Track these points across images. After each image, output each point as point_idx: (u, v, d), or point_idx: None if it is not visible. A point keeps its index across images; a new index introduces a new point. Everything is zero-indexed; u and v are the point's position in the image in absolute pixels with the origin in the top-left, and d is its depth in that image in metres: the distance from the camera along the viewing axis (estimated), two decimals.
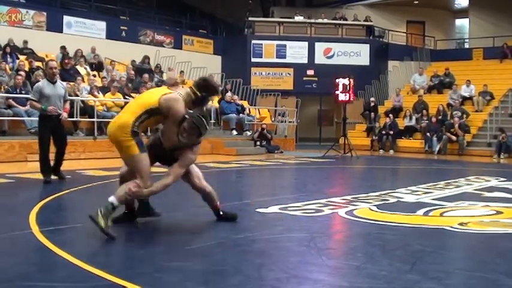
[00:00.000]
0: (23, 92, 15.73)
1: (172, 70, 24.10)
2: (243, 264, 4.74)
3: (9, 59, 19.15)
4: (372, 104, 25.99)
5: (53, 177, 10.16)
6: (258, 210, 7.29)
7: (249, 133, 21.54)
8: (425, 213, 7.28)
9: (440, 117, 23.05)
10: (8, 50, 19.76)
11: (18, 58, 19.52)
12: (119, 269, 4.44)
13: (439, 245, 5.63)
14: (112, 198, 5.50)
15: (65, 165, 10.56)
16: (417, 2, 32.67)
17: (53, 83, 10.03)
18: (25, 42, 21.57)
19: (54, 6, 24.94)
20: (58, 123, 10.09)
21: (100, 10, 26.71)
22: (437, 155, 21.27)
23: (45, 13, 23.70)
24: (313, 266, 4.70)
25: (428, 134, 22.31)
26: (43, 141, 10.06)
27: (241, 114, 21.70)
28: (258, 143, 20.86)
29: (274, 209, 7.37)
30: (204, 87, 5.91)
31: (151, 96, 5.83)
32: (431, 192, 9.43)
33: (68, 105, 10.67)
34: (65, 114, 10.19)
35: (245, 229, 6.13)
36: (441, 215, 7.25)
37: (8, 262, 4.73)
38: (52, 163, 10.22)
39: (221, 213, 6.39)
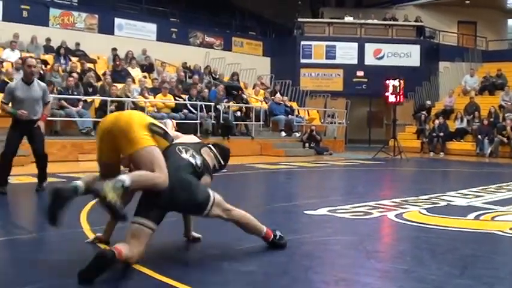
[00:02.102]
0: (75, 93, 16.09)
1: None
2: (290, 266, 4.75)
3: (62, 61, 19.50)
4: (428, 106, 25.75)
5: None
6: (306, 212, 7.30)
7: (298, 134, 21.52)
8: (476, 217, 7.18)
9: (492, 119, 22.67)
10: (61, 51, 20.12)
11: (70, 60, 19.88)
12: (168, 268, 4.49)
13: (490, 249, 5.56)
14: (124, 177, 4.59)
15: None
16: (468, 2, 32.14)
17: (29, 84, 8.76)
18: (77, 44, 21.93)
19: (105, 9, 25.32)
20: (34, 129, 8.90)
21: (151, 12, 27.01)
22: (489, 158, 20.93)
23: (96, 15, 24.10)
24: (361, 269, 4.69)
25: (479, 136, 21.97)
26: (7, 148, 8.91)
27: (290, 116, 21.68)
28: (307, 144, 20.83)
29: (322, 211, 7.36)
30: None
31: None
32: (482, 196, 9.30)
33: (47, 110, 9.22)
34: (41, 123, 8.95)
35: (293, 231, 6.12)
36: (492, 219, 7.15)
37: (60, 260, 4.84)
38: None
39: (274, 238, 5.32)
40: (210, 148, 5.39)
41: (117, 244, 4.42)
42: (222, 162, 5.43)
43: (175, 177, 4.73)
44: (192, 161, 4.96)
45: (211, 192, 4.91)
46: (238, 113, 20.34)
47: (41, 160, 9.00)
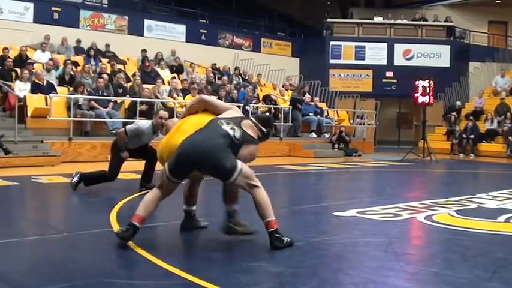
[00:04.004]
0: (105, 94, 16.20)
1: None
2: (319, 267, 4.76)
3: (92, 62, 19.64)
4: (457, 107, 25.57)
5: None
6: (335, 213, 7.28)
7: (327, 135, 21.46)
8: (507, 220, 7.11)
9: None
10: (91, 53, 20.28)
11: (100, 61, 20.01)
12: (198, 268, 4.51)
13: None
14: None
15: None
16: (499, 1, 31.78)
17: (155, 132, 9.03)
18: (107, 45, 22.07)
19: (135, 11, 25.50)
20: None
21: (180, 14, 27.11)
22: None
23: (126, 17, 24.23)
24: (391, 271, 4.67)
25: (510, 137, 21.73)
26: (111, 174, 9.23)
27: (319, 117, 21.63)
28: (336, 145, 20.76)
29: (351, 212, 7.34)
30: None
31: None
32: None
33: None
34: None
35: (322, 232, 6.13)
36: None
37: (90, 259, 4.89)
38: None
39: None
40: (251, 120, 5.63)
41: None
42: (264, 130, 5.62)
43: (208, 141, 5.16)
44: (231, 132, 5.27)
45: (240, 163, 5.15)
46: (267, 114, 20.34)
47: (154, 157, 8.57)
